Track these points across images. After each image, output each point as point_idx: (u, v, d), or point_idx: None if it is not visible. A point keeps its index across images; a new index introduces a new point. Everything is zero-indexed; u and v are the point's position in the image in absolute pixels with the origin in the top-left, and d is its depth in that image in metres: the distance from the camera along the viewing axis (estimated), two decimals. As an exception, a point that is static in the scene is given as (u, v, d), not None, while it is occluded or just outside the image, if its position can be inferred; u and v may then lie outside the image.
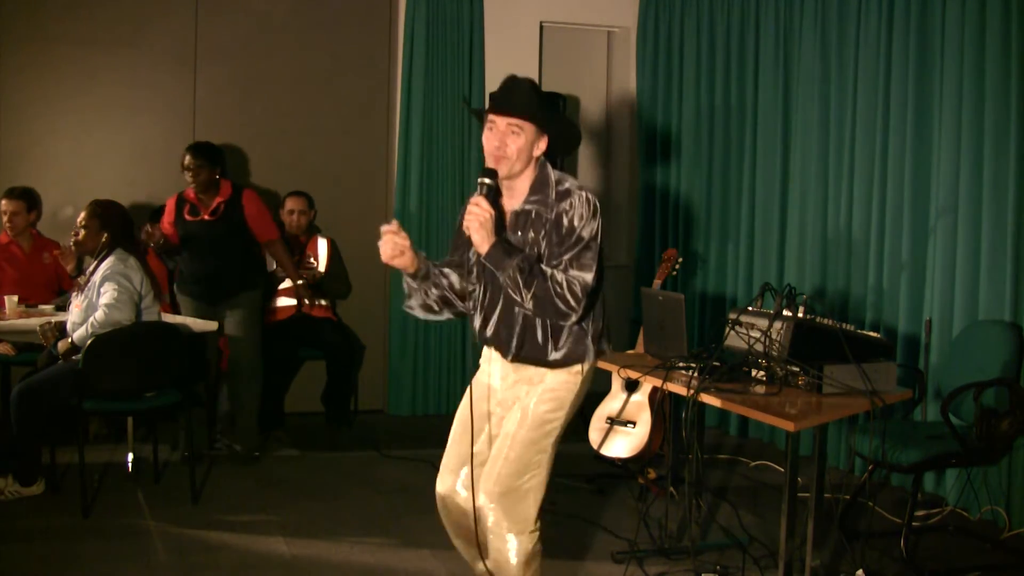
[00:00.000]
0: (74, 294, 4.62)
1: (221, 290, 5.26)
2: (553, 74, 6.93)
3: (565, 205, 2.91)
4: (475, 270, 3.08)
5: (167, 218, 5.29)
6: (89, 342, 4.30)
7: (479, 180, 2.93)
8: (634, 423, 4.61)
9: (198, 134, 6.07)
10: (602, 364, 4.07)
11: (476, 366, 3.31)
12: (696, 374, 3.61)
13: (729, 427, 6.24)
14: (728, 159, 6.30)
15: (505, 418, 3.12)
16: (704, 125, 6.45)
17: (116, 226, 4.58)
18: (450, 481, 3.24)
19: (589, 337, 3.03)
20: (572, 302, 2.86)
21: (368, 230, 6.43)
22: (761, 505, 4.69)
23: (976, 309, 4.54)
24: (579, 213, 2.90)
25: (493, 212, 2.88)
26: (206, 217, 5.22)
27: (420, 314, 3.24)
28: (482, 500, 3.05)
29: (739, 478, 5.22)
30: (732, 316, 3.75)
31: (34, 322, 4.70)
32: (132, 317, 4.44)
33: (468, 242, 2.98)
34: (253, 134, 6.17)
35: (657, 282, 4.66)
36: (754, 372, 3.63)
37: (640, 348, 4.31)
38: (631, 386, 4.68)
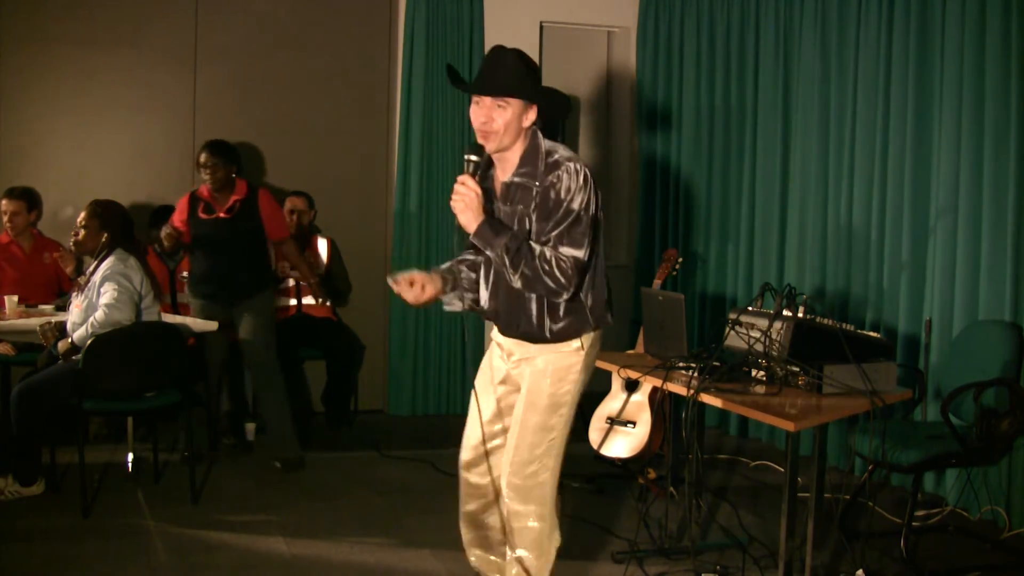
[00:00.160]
0: (74, 294, 4.62)
1: (236, 291, 5.16)
2: (553, 74, 6.93)
3: (552, 178, 2.88)
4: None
5: (179, 216, 5.18)
6: (89, 342, 4.30)
7: (465, 157, 2.92)
8: (634, 423, 4.61)
9: (198, 134, 6.08)
10: (602, 364, 4.09)
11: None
12: (696, 374, 3.61)
13: (729, 427, 6.23)
14: (728, 159, 6.30)
15: (515, 401, 3.12)
16: (704, 125, 6.45)
17: (116, 226, 4.58)
18: (466, 456, 3.25)
19: (587, 310, 3.02)
20: (562, 279, 2.85)
21: (368, 230, 6.55)
22: (761, 505, 4.69)
23: (976, 309, 4.54)
24: (566, 185, 2.87)
25: (479, 191, 2.87)
26: (222, 215, 5.13)
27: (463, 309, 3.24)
28: (502, 488, 3.08)
29: (739, 478, 5.22)
30: (732, 316, 3.75)
31: (34, 322, 4.70)
32: (132, 317, 4.44)
33: None
34: (253, 134, 6.17)
35: (657, 282, 4.66)
36: (754, 372, 3.64)
37: (640, 348, 4.32)
38: (631, 386, 4.68)
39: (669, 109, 6.68)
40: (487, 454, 3.18)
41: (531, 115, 2.95)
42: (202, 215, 5.15)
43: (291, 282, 5.89)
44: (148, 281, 4.57)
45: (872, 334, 3.64)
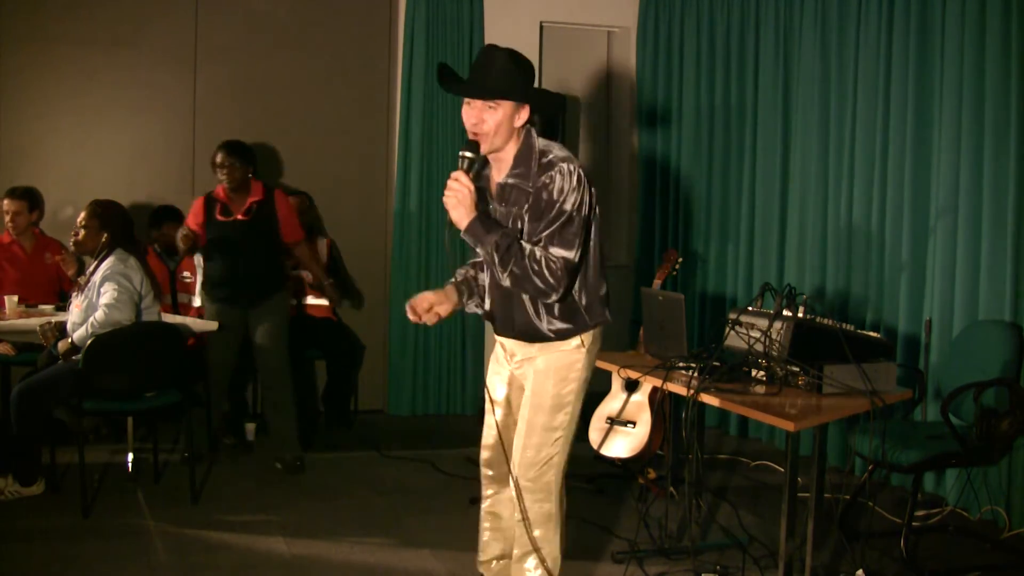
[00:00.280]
0: (74, 294, 4.62)
1: (254, 293, 5.11)
2: (553, 74, 6.94)
3: (545, 179, 2.88)
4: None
5: (194, 219, 5.11)
6: (89, 342, 4.30)
7: (460, 154, 2.91)
8: (634, 423, 4.61)
9: (198, 134, 6.08)
10: (602, 364, 4.09)
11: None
12: (696, 374, 3.61)
13: (729, 427, 6.23)
14: (728, 159, 6.30)
15: (521, 401, 3.14)
16: (704, 125, 6.45)
17: (116, 226, 4.58)
18: (484, 455, 3.32)
19: (583, 309, 3.02)
20: (551, 280, 2.85)
21: (368, 230, 6.54)
22: (761, 505, 4.69)
23: (976, 309, 4.54)
24: (559, 186, 2.86)
25: (472, 187, 2.87)
26: (240, 217, 5.08)
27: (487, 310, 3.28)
28: (511, 485, 3.12)
29: (739, 478, 5.22)
30: (732, 316, 3.75)
31: (34, 322, 4.70)
32: (132, 317, 4.44)
33: None
34: (253, 134, 6.14)
35: (657, 282, 4.66)
36: (754, 372, 3.64)
37: (640, 348, 4.32)
38: (631, 386, 4.68)
39: (669, 109, 6.68)
40: (506, 454, 3.19)
41: (523, 115, 2.94)
42: (220, 217, 5.08)
43: (309, 278, 5.86)
44: (148, 281, 4.57)
45: (872, 334, 3.64)
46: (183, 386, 4.65)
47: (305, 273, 5.83)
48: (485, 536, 3.33)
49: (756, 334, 3.57)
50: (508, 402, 3.22)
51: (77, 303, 4.53)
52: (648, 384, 4.33)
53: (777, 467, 5.27)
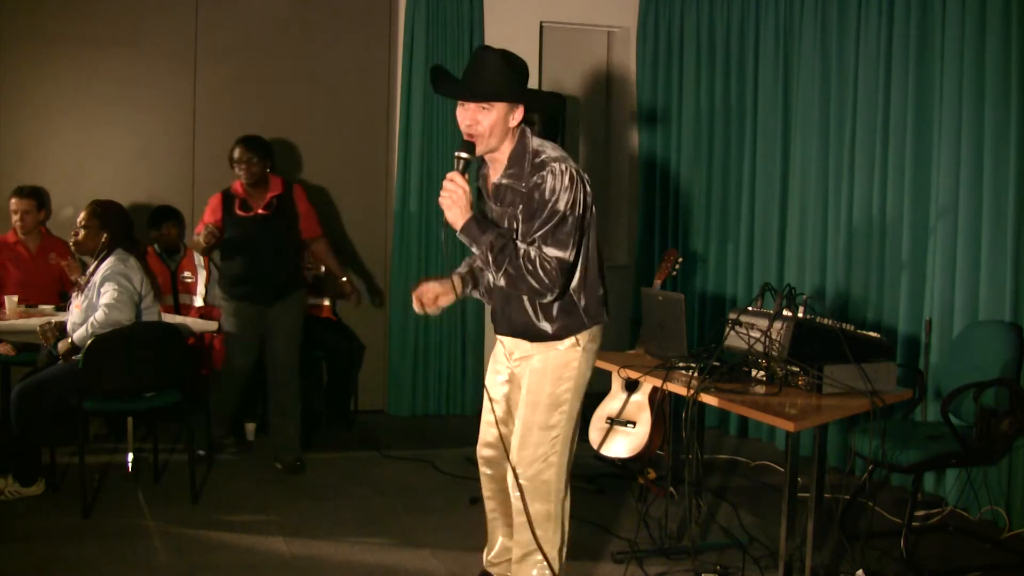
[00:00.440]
0: (74, 294, 4.62)
1: (274, 289, 5.05)
2: (553, 74, 6.94)
3: (537, 179, 2.89)
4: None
5: (212, 215, 5.05)
6: (89, 342, 4.30)
7: (455, 154, 2.93)
8: (634, 423, 4.61)
9: (198, 134, 6.08)
10: (602, 364, 4.09)
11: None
12: (696, 374, 3.61)
13: (729, 427, 6.23)
14: (728, 159, 6.30)
15: (518, 400, 3.14)
16: (704, 125, 6.45)
17: (116, 226, 4.58)
18: (482, 453, 3.34)
19: (581, 309, 3.02)
20: (545, 280, 2.86)
21: (368, 230, 6.54)
22: (761, 505, 4.69)
23: (976, 309, 4.54)
24: (551, 186, 2.87)
25: (467, 188, 2.88)
26: (260, 212, 5.02)
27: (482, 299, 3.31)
28: (509, 483, 3.12)
29: (739, 478, 5.22)
30: (732, 316, 3.76)
31: (34, 322, 4.70)
32: (132, 317, 4.44)
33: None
34: (253, 134, 6.16)
35: (657, 282, 4.66)
36: (754, 372, 3.64)
37: (640, 348, 4.32)
38: (631, 386, 4.68)
39: (669, 109, 6.68)
40: (506, 450, 3.20)
41: (517, 115, 2.95)
42: (239, 212, 5.02)
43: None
44: (148, 281, 4.57)
45: (872, 334, 3.64)
46: (183, 386, 4.65)
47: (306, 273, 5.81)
48: (491, 535, 3.33)
49: (756, 334, 3.57)
50: (507, 400, 3.23)
51: (77, 303, 4.53)
52: (648, 384, 4.34)
53: (777, 467, 5.27)
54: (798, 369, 3.49)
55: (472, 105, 2.91)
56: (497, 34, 6.44)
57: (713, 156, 6.39)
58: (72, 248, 4.72)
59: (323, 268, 5.96)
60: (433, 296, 3.12)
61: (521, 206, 2.92)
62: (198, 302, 5.73)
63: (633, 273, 6.91)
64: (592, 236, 3.02)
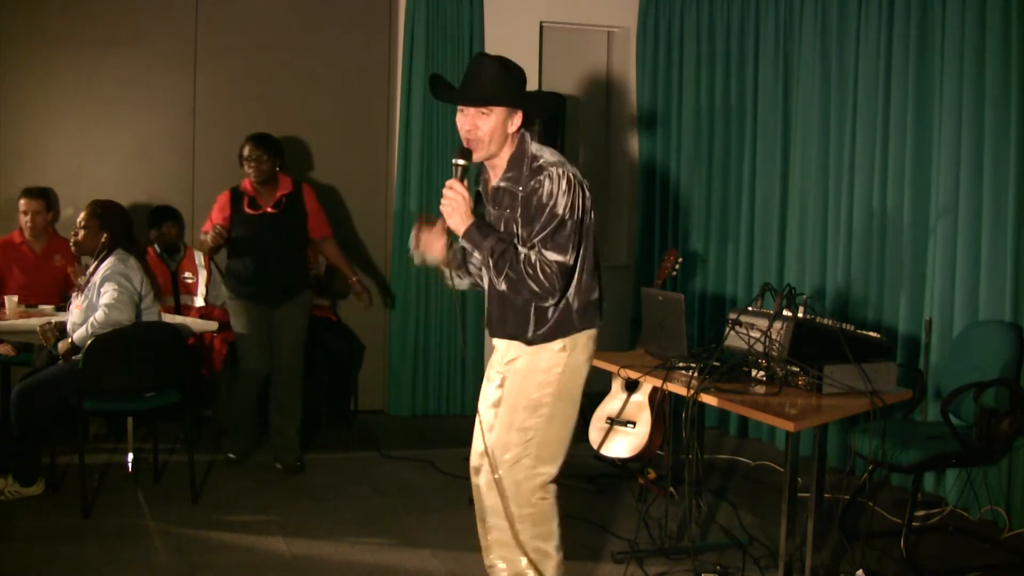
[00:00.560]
0: (74, 294, 4.62)
1: (282, 289, 5.02)
2: (553, 74, 6.94)
3: (535, 183, 2.90)
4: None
5: (220, 213, 5.01)
6: (89, 342, 4.30)
7: (453, 161, 2.95)
8: (634, 423, 4.61)
9: (198, 134, 6.08)
10: (602, 364, 4.09)
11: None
12: (696, 374, 3.61)
13: (729, 427, 6.23)
14: (728, 159, 6.30)
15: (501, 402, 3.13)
16: (704, 125, 6.45)
17: (116, 226, 4.57)
18: (473, 462, 3.28)
19: (573, 312, 3.02)
20: (546, 283, 2.86)
21: (368, 230, 6.53)
22: (761, 505, 4.69)
23: (976, 309, 4.54)
24: (548, 190, 2.88)
25: (467, 195, 2.91)
26: (269, 210, 4.99)
27: (459, 285, 3.28)
28: (483, 480, 3.11)
29: (739, 478, 5.22)
30: (732, 316, 3.76)
31: (34, 322, 4.70)
32: (132, 317, 4.44)
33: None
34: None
35: (657, 282, 4.67)
36: (754, 372, 3.64)
37: (640, 348, 4.31)
38: (631, 386, 4.68)
39: (669, 109, 6.68)
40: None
41: (516, 120, 2.98)
42: (248, 210, 4.98)
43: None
44: (148, 281, 4.57)
45: (872, 334, 3.64)
46: (183, 386, 4.65)
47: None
48: (483, 541, 3.32)
49: (756, 334, 3.57)
50: (498, 406, 3.21)
51: (77, 303, 4.53)
52: (648, 384, 4.34)
53: (777, 467, 5.26)
54: (798, 369, 3.49)
55: (471, 111, 2.93)
56: (497, 34, 6.44)
57: (713, 156, 6.39)
58: (72, 248, 4.72)
59: (323, 268, 5.97)
60: (425, 243, 3.11)
61: (520, 209, 2.93)
62: (199, 302, 5.72)
63: (633, 273, 6.91)
64: (590, 240, 3.03)
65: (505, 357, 3.15)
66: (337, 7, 6.34)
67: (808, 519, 3.55)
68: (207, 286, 5.75)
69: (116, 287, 4.40)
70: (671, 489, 4.60)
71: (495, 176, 3.03)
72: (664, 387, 3.69)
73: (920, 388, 4.41)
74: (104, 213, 4.57)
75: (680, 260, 4.73)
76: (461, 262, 3.21)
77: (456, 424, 6.24)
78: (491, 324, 3.16)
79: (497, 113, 2.92)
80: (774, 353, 3.52)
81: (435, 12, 6.33)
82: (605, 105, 7.31)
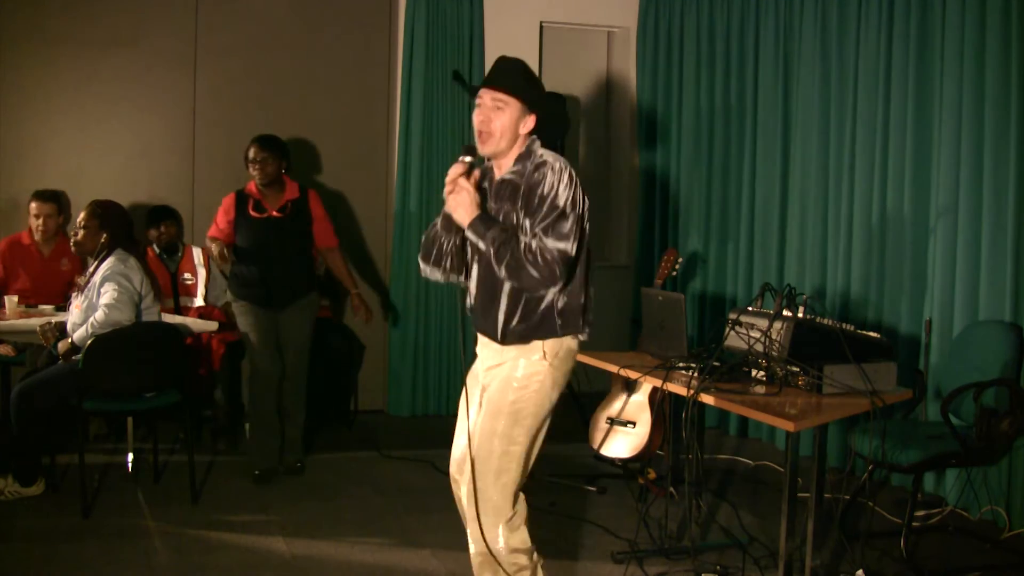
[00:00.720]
0: (74, 295, 4.62)
1: (287, 292, 4.97)
2: (553, 74, 6.93)
3: (537, 175, 2.95)
4: (468, 245, 3.11)
5: (225, 217, 4.98)
6: (89, 342, 4.30)
7: (459, 159, 2.99)
8: (634, 423, 4.61)
9: (198, 134, 6.08)
10: (602, 364, 4.09)
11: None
12: (696, 374, 3.61)
13: (729, 427, 6.23)
14: (728, 159, 6.30)
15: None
16: (704, 125, 6.44)
17: (116, 226, 4.57)
18: (453, 468, 3.26)
19: (556, 314, 3.00)
20: (545, 270, 2.86)
21: (368, 230, 6.53)
22: (761, 505, 4.69)
23: (976, 309, 4.54)
24: (550, 182, 2.92)
25: (473, 190, 2.95)
26: (274, 214, 4.94)
27: (430, 273, 3.22)
28: (463, 492, 3.07)
29: (739, 478, 5.22)
30: (732, 316, 3.76)
31: (34, 322, 4.70)
32: (132, 317, 4.44)
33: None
34: (253, 134, 6.13)
35: (657, 282, 4.67)
36: (754, 372, 3.64)
37: (640, 348, 4.31)
38: (631, 386, 4.69)
39: (669, 109, 6.68)
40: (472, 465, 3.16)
41: (528, 123, 3.02)
42: (253, 213, 4.94)
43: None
44: (148, 281, 4.57)
45: (872, 334, 3.64)
46: (183, 386, 4.65)
47: None
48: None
49: (756, 334, 3.57)
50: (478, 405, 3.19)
51: (77, 303, 4.53)
52: (648, 384, 4.34)
53: (777, 467, 5.26)
54: (798, 369, 3.49)
55: (488, 104, 2.99)
56: (497, 34, 6.44)
57: (713, 156, 6.39)
58: (72, 248, 4.72)
59: (323, 269, 5.96)
60: (463, 187, 2.97)
61: (521, 201, 2.95)
62: (198, 303, 5.73)
63: (633, 273, 6.92)
64: (584, 245, 3.03)
65: (487, 362, 3.14)
66: (337, 7, 6.34)
67: (808, 519, 3.55)
68: (206, 286, 5.75)
69: (116, 287, 4.41)
70: (671, 489, 4.60)
71: (500, 172, 3.06)
72: (664, 387, 3.69)
73: (920, 388, 4.41)
74: (104, 213, 4.57)
75: (680, 260, 4.74)
76: (436, 255, 3.20)
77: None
78: (476, 315, 3.14)
79: (512, 109, 2.98)
80: (774, 353, 3.52)
81: (435, 12, 6.33)
82: (605, 105, 7.31)
